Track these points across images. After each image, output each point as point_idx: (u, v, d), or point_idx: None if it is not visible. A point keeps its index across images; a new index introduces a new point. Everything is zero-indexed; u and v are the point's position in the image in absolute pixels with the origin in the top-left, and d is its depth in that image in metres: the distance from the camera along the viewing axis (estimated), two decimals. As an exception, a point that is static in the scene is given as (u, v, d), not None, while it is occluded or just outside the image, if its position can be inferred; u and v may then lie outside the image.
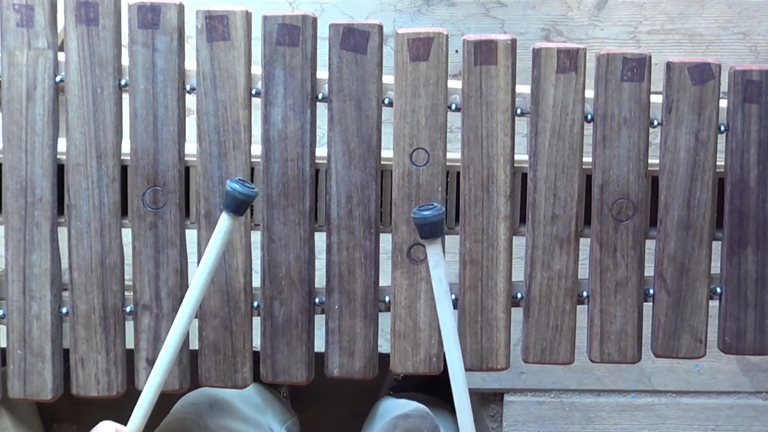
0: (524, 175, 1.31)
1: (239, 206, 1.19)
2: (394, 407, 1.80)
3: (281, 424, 1.77)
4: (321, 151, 1.30)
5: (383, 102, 1.29)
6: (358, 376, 1.32)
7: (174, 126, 1.28)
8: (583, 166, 1.30)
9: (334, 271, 1.30)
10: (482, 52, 1.27)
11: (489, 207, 1.29)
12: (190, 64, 1.29)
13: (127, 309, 1.31)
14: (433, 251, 1.19)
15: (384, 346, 1.33)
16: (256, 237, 1.30)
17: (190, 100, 1.29)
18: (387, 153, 1.30)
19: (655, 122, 1.29)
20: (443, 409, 1.91)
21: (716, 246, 1.31)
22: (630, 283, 1.30)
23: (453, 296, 1.31)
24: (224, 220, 1.20)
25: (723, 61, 1.29)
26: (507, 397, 1.86)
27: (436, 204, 1.19)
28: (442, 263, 1.19)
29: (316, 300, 1.31)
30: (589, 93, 1.29)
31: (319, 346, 1.32)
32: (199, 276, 1.20)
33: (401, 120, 1.28)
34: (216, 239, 1.20)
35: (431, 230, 1.18)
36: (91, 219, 1.29)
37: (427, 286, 1.30)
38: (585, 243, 1.31)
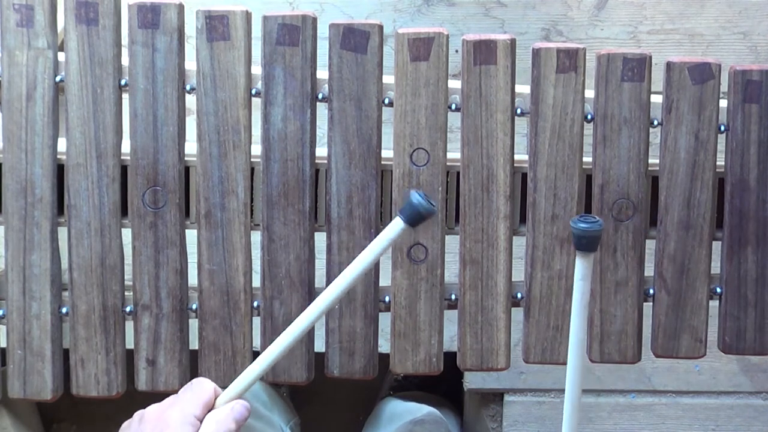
0: (524, 175, 1.31)
1: (417, 219, 1.13)
2: (403, 411, 1.80)
3: (285, 423, 1.77)
4: (321, 151, 1.30)
5: (383, 102, 1.29)
6: (358, 376, 1.32)
7: (174, 126, 1.28)
8: (583, 166, 1.30)
9: (334, 271, 1.30)
10: (482, 52, 1.27)
11: (489, 207, 1.29)
12: (190, 64, 1.29)
13: (127, 309, 1.31)
14: (584, 264, 1.12)
15: (384, 346, 1.33)
16: (256, 237, 1.30)
17: (190, 100, 1.29)
18: (387, 153, 1.30)
19: (655, 122, 1.29)
20: (444, 407, 1.92)
21: (716, 246, 1.31)
22: (630, 283, 1.30)
23: (453, 296, 1.31)
24: (398, 226, 1.13)
25: (723, 61, 1.29)
26: (507, 397, 1.86)
27: (597, 217, 1.12)
28: (589, 278, 1.13)
29: (316, 300, 1.31)
30: (589, 93, 1.29)
31: (319, 346, 1.32)
32: (351, 270, 1.14)
33: (401, 120, 1.28)
34: (382, 240, 1.15)
35: (588, 244, 1.11)
36: (91, 219, 1.29)
37: (427, 286, 1.30)
38: (585, 243, 1.31)
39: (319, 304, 1.15)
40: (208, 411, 1.14)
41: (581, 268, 1.12)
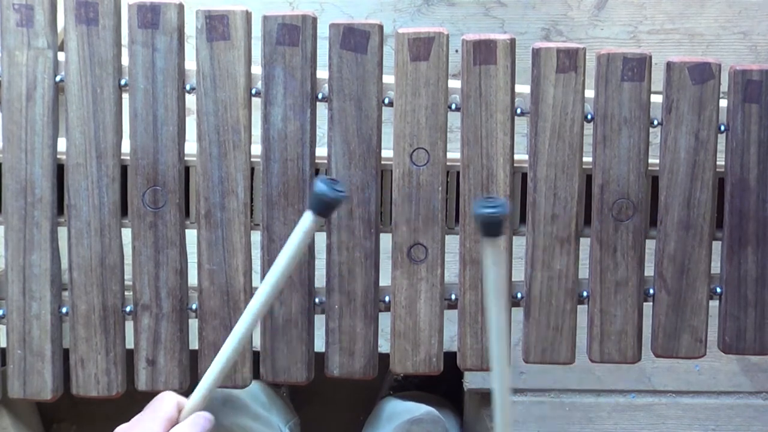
0: (524, 175, 1.31)
1: (325, 209, 1.10)
2: (402, 410, 1.80)
3: (285, 424, 1.77)
4: (321, 151, 1.30)
5: (383, 102, 1.29)
6: (358, 376, 1.32)
7: (174, 126, 1.28)
8: (583, 166, 1.30)
9: (334, 271, 1.30)
10: (481, 52, 1.27)
11: (489, 207, 1.29)
12: (190, 64, 1.29)
13: (127, 309, 1.31)
14: (492, 250, 1.08)
15: (384, 346, 1.33)
16: (256, 237, 1.30)
17: (190, 100, 1.29)
18: (387, 153, 1.30)
19: (655, 122, 1.29)
20: (444, 407, 1.92)
21: (716, 246, 1.31)
22: (630, 283, 1.30)
23: (453, 296, 1.31)
24: (308, 220, 1.10)
25: (723, 61, 1.29)
26: (507, 397, 1.85)
27: (499, 199, 1.07)
28: (501, 263, 1.10)
29: (316, 300, 1.31)
30: (589, 93, 1.29)
31: (319, 346, 1.32)
32: (272, 275, 1.13)
33: (401, 120, 1.28)
34: (296, 238, 1.12)
35: (494, 229, 1.06)
36: (91, 219, 1.29)
37: (427, 286, 1.30)
38: (585, 243, 1.31)
39: (252, 308, 1.15)
40: (172, 426, 1.14)
41: (490, 254, 1.09)
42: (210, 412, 1.56)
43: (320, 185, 1.07)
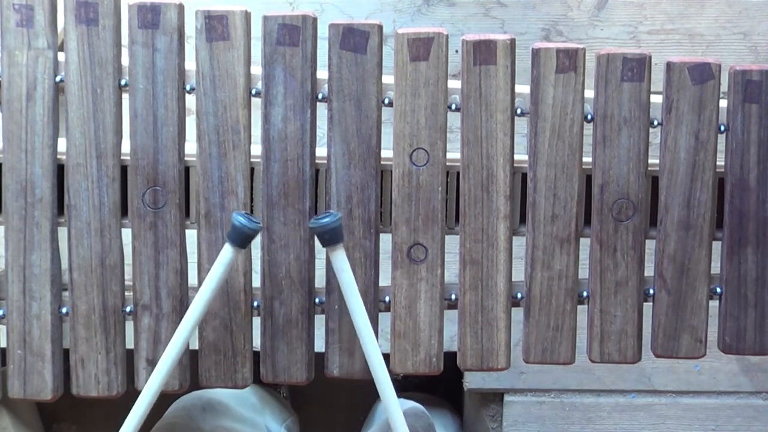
0: (524, 175, 1.31)
1: (245, 240, 1.20)
2: None
3: (280, 423, 1.77)
4: (321, 151, 1.30)
5: (383, 102, 1.29)
6: (358, 376, 1.32)
7: (174, 126, 1.28)
8: (583, 166, 1.30)
9: (334, 271, 1.30)
10: (481, 52, 1.27)
11: (489, 207, 1.29)
12: (190, 64, 1.29)
13: (127, 309, 1.31)
14: (337, 257, 1.22)
15: (384, 346, 1.33)
16: (256, 237, 1.30)
17: (190, 100, 1.29)
18: (387, 153, 1.30)
19: (655, 122, 1.29)
20: (442, 408, 1.92)
21: (716, 246, 1.31)
22: (630, 283, 1.30)
23: (453, 296, 1.31)
24: (228, 252, 1.21)
25: (723, 61, 1.29)
26: (507, 397, 1.86)
27: (332, 210, 1.21)
28: (347, 268, 1.22)
29: (316, 300, 1.31)
30: (589, 93, 1.29)
31: (319, 346, 1.32)
32: (196, 304, 1.20)
33: (401, 120, 1.28)
34: (217, 270, 1.20)
35: (332, 237, 1.21)
36: (91, 219, 1.29)
37: (427, 286, 1.30)
38: (585, 243, 1.31)
39: (177, 338, 1.17)
40: None
41: (338, 262, 1.23)
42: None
43: (239, 218, 1.19)
